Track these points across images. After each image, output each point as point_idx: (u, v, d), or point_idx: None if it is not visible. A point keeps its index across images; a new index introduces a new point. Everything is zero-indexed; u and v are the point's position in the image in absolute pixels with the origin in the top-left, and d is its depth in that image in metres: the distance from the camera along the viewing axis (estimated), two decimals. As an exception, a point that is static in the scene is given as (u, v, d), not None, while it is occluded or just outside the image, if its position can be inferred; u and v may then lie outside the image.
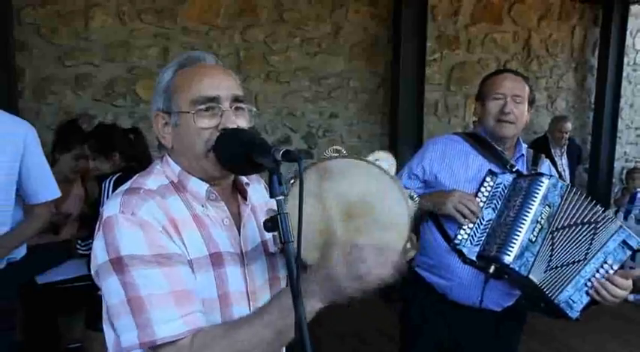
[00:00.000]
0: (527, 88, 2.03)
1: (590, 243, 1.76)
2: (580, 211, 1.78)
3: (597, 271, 1.76)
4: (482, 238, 1.86)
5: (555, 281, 1.75)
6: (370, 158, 1.12)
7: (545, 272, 1.74)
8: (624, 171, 6.29)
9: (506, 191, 1.89)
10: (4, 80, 3.48)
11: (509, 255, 1.70)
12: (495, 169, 1.97)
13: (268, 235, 1.24)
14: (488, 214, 1.88)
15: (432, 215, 2.00)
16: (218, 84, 1.10)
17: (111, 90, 4.00)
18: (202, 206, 1.12)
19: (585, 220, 1.77)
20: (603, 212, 1.79)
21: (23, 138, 2.06)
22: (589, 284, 1.75)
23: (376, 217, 1.07)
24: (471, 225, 1.88)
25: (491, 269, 1.77)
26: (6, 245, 2.09)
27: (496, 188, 1.91)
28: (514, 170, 1.97)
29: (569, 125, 5.28)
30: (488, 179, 1.93)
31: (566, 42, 5.86)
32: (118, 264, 0.99)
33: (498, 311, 1.98)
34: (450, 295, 1.99)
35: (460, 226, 1.89)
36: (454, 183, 1.98)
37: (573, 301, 1.76)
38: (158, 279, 0.99)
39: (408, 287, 2.16)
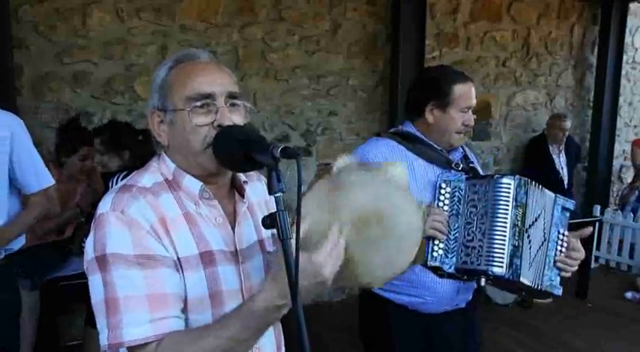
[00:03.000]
0: None
1: (544, 223, 1.78)
2: (540, 200, 1.78)
3: (557, 244, 1.79)
4: (455, 248, 1.79)
5: (537, 273, 1.76)
6: (384, 168, 1.11)
7: (529, 269, 1.73)
8: (623, 169, 6.30)
9: (463, 194, 1.81)
10: (2, 78, 3.47)
11: (500, 267, 1.66)
12: (440, 170, 1.91)
13: (266, 234, 1.24)
14: (454, 221, 1.81)
15: None
16: (212, 80, 1.10)
17: (109, 87, 3.99)
18: (195, 204, 1.12)
19: (543, 208, 1.79)
20: (543, 192, 1.80)
21: (11, 130, 2.07)
22: (557, 258, 1.79)
23: (388, 229, 1.05)
24: (442, 238, 1.80)
25: (482, 281, 1.73)
26: (5, 235, 2.11)
27: (453, 193, 1.83)
28: (460, 169, 1.92)
29: (568, 123, 5.29)
30: (443, 185, 1.85)
31: (566, 40, 5.86)
32: (102, 261, 1.00)
33: (463, 307, 2.03)
34: (425, 309, 1.96)
35: (432, 242, 1.80)
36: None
37: (552, 280, 1.79)
38: (137, 281, 0.99)
39: (374, 311, 2.07)
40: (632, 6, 6.08)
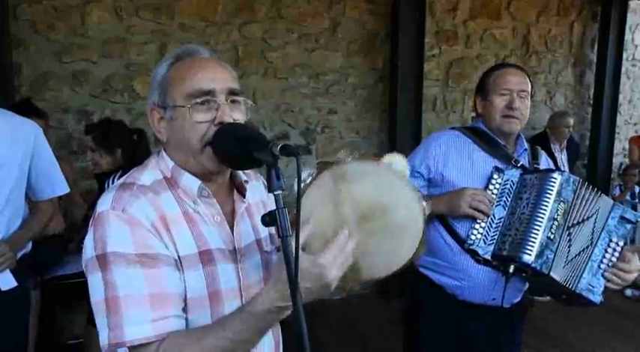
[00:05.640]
0: (529, 83, 2.01)
1: (594, 227, 1.79)
2: (591, 204, 1.79)
3: (606, 251, 1.79)
4: (496, 236, 1.84)
5: (573, 273, 1.75)
6: (385, 160, 1.12)
7: (564, 267, 1.73)
8: (622, 167, 6.29)
9: (514, 187, 1.87)
10: (1, 77, 3.47)
11: (529, 254, 1.68)
12: (499, 165, 1.95)
13: (264, 233, 1.24)
14: (499, 212, 1.86)
15: (439, 216, 1.96)
16: (213, 77, 1.09)
17: (108, 86, 3.98)
18: (193, 202, 1.11)
19: (594, 212, 1.79)
20: (601, 196, 1.81)
21: (33, 136, 2.10)
22: (602, 266, 1.78)
23: (390, 221, 1.07)
24: (483, 224, 1.85)
25: (511, 268, 1.73)
26: (22, 242, 2.14)
27: (504, 185, 1.88)
28: (519, 165, 1.95)
29: (571, 120, 5.29)
30: (495, 176, 1.90)
31: (565, 37, 5.85)
32: (103, 260, 0.99)
33: (507, 308, 1.98)
34: (461, 295, 1.97)
35: (472, 226, 1.86)
36: (461, 180, 1.94)
37: (592, 286, 1.77)
38: (138, 280, 0.99)
39: (414, 288, 2.13)
40: (632, 3, 6.06)
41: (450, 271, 1.96)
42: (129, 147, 2.88)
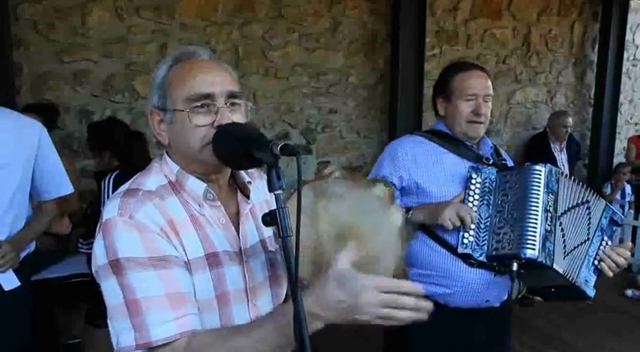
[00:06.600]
0: (491, 84, 1.98)
1: (589, 222, 1.81)
2: (574, 193, 1.81)
3: (598, 249, 1.82)
4: (486, 237, 1.80)
5: (573, 265, 1.76)
6: (369, 184, 1.10)
7: (564, 259, 1.73)
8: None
9: (494, 185, 1.84)
10: (2, 77, 3.47)
11: (533, 249, 1.65)
12: (469, 164, 1.91)
13: (268, 233, 1.23)
14: (484, 211, 1.83)
15: (422, 226, 1.91)
16: (212, 80, 1.08)
17: (109, 86, 3.98)
18: (199, 206, 1.11)
19: (580, 201, 1.81)
20: (587, 189, 1.83)
21: (38, 136, 2.08)
22: (595, 262, 1.80)
23: (366, 245, 1.03)
24: (473, 226, 1.81)
25: (514, 266, 1.68)
26: (24, 242, 2.13)
27: (484, 183, 1.85)
28: (491, 163, 1.93)
29: (570, 120, 5.29)
30: (474, 175, 1.86)
31: (566, 37, 5.85)
32: (116, 266, 1.00)
33: (498, 307, 1.97)
34: (453, 302, 1.92)
35: (464, 230, 1.81)
36: (437, 186, 1.91)
37: (587, 280, 1.79)
38: (154, 282, 0.99)
39: None
40: (633, 3, 6.07)
41: (441, 279, 1.91)
42: (119, 151, 2.87)
